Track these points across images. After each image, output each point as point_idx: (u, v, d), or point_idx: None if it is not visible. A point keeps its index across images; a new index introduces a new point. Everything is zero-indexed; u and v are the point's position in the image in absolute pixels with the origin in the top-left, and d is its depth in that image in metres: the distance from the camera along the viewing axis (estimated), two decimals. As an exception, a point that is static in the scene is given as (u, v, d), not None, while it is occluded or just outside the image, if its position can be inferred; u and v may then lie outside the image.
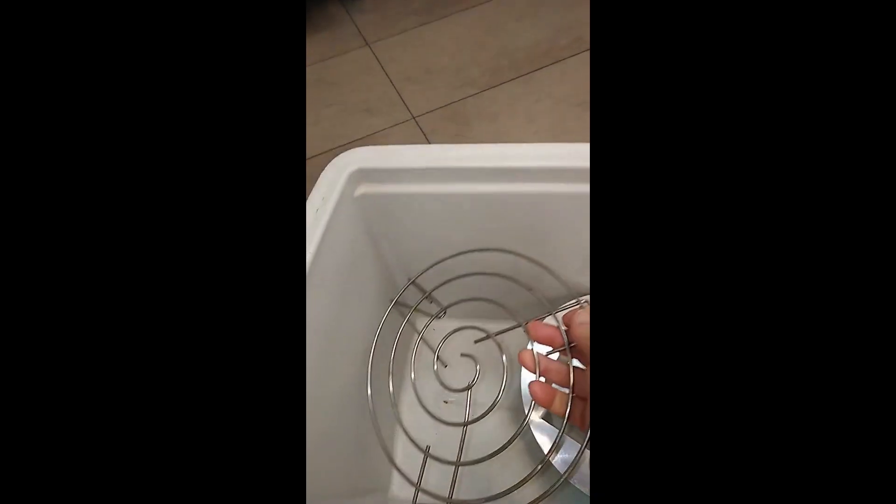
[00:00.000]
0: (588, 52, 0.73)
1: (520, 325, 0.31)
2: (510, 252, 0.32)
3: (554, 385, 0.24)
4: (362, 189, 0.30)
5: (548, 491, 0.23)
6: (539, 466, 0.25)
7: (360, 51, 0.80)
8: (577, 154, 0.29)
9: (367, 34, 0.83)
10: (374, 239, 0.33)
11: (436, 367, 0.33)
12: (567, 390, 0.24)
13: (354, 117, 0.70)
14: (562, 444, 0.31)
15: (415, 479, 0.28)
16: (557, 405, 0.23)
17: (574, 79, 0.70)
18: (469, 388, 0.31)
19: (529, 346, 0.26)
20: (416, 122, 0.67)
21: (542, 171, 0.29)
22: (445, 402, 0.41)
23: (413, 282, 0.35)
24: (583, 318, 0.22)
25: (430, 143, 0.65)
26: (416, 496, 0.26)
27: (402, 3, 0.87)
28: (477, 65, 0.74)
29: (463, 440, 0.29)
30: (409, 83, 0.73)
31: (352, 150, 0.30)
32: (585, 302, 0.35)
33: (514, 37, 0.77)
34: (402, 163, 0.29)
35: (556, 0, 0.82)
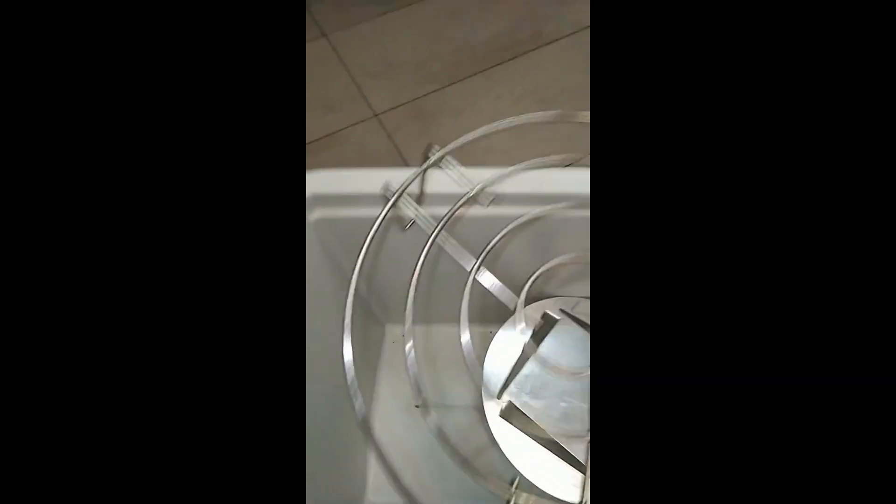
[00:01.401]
0: (548, 46, 0.74)
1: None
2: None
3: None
4: (317, 213, 0.30)
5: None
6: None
7: (317, 42, 0.77)
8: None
9: (324, 24, 0.80)
10: (335, 261, 0.34)
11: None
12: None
13: (313, 114, 0.68)
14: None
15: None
16: None
17: (534, 74, 0.71)
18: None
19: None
20: (379, 120, 0.67)
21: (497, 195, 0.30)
22: (416, 406, 0.43)
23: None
24: None
25: (394, 141, 0.64)
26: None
27: (359, -11, 0.84)
28: (438, 59, 0.73)
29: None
30: (370, 78, 0.71)
31: (309, 173, 0.30)
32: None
33: (475, 29, 0.76)
34: (357, 188, 0.29)
35: (516, -11, 0.82)
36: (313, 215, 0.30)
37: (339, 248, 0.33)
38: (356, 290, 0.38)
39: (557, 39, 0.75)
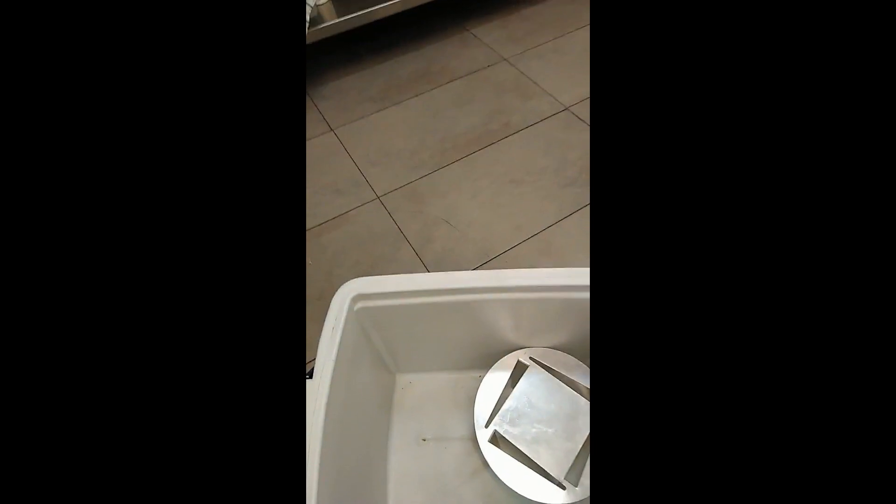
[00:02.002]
0: (515, 135, 0.91)
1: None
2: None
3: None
4: (359, 304, 0.43)
5: None
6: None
7: (327, 136, 0.93)
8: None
9: (331, 120, 0.96)
10: (367, 333, 0.46)
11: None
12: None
13: (326, 198, 0.82)
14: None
15: None
16: None
17: (504, 159, 0.87)
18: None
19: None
20: (381, 202, 0.81)
21: (494, 288, 0.43)
22: (424, 439, 0.54)
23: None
24: None
25: (394, 219, 0.79)
26: None
27: (359, 91, 1.02)
28: (427, 148, 0.89)
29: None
30: (372, 165, 0.87)
31: (352, 280, 0.43)
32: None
33: (455, 122, 0.94)
34: (387, 287, 0.42)
35: (486, 87, 1.01)
36: (356, 305, 0.43)
37: (372, 329, 0.46)
38: (377, 349, 0.50)
39: (523, 128, 0.93)
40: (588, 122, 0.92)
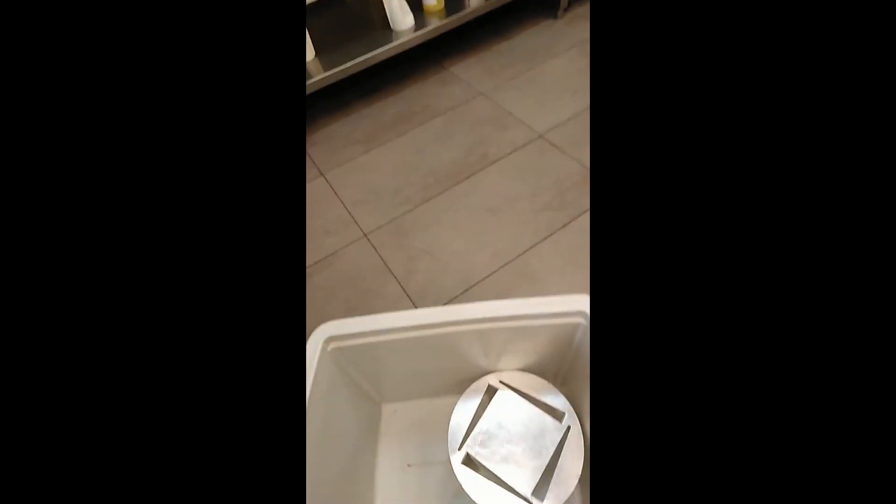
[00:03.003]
0: (492, 165, 0.97)
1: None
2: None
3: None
4: (332, 345, 0.48)
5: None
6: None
7: (316, 181, 1.00)
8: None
9: (321, 164, 1.04)
10: (344, 370, 0.51)
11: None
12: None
13: (316, 239, 0.89)
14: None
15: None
16: None
17: (482, 189, 0.92)
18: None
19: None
20: (368, 239, 0.87)
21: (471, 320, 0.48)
22: (409, 465, 0.57)
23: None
24: None
25: (380, 255, 0.84)
26: None
27: (345, 135, 1.09)
28: (411, 184, 0.95)
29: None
30: (359, 205, 0.93)
31: (324, 324, 0.48)
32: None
33: (437, 156, 1.00)
34: (357, 328, 0.47)
35: (465, 122, 1.07)
36: (329, 346, 0.48)
37: (348, 365, 0.51)
38: (358, 383, 0.54)
39: (499, 158, 0.98)
40: (561, 147, 0.98)
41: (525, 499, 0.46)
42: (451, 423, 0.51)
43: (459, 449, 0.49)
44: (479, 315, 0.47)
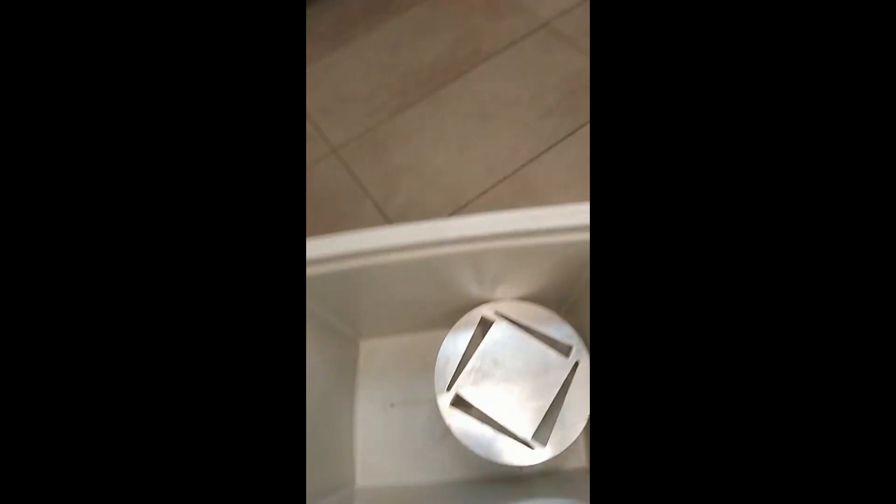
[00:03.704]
0: (486, 63, 0.80)
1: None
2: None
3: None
4: None
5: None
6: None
7: (274, 86, 0.83)
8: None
9: (279, 66, 0.86)
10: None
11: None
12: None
13: (279, 156, 0.75)
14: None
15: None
16: None
17: (474, 91, 0.77)
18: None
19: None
20: (337, 155, 0.74)
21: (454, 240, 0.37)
22: (392, 405, 0.51)
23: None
24: None
25: (353, 173, 0.71)
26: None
27: (307, 29, 0.90)
28: (386, 88, 0.80)
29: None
30: (325, 114, 0.78)
31: None
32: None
33: (417, 54, 0.83)
34: (315, 252, 0.36)
35: (451, 9, 0.88)
36: None
37: (309, 300, 0.41)
38: (325, 319, 0.45)
39: (495, 54, 0.81)
40: (569, 38, 0.81)
41: (524, 442, 0.39)
42: (439, 359, 0.44)
43: (448, 389, 0.42)
44: (471, 232, 0.37)
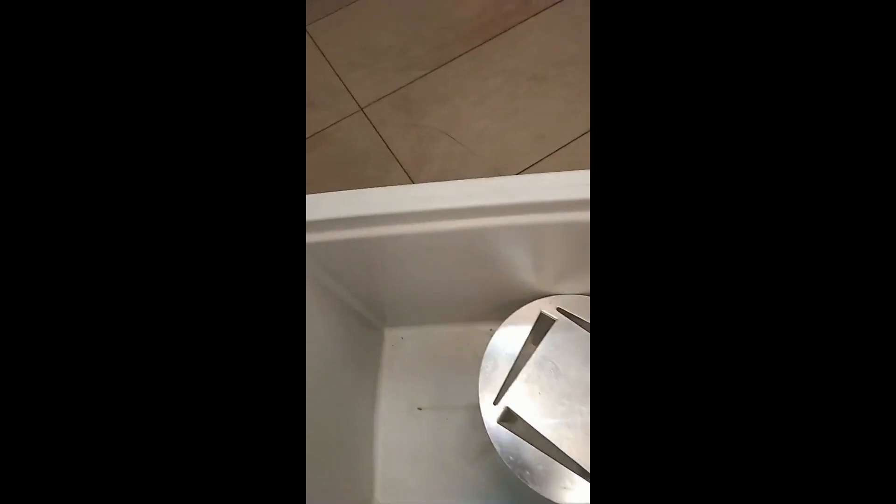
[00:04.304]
0: (537, 16, 0.69)
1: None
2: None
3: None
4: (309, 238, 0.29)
5: None
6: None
7: (295, 34, 0.74)
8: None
9: (301, 13, 0.76)
10: (320, 283, 0.33)
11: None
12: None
13: (298, 113, 0.66)
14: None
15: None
16: None
17: (523, 49, 0.67)
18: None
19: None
20: (364, 114, 0.64)
21: (479, 208, 0.28)
22: (419, 408, 0.43)
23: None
24: None
25: (381, 135, 0.62)
26: None
27: (333, -28, 0.80)
28: (422, 42, 0.70)
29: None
30: (352, 69, 0.69)
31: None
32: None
33: (458, 4, 0.72)
34: (339, 211, 0.28)
35: (500, -45, 0.77)
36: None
37: (323, 274, 0.32)
38: (337, 295, 0.37)
39: (547, 7, 0.70)
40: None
41: (587, 475, 0.31)
42: (484, 362, 0.35)
43: (496, 402, 0.34)
44: (528, 198, 0.28)
